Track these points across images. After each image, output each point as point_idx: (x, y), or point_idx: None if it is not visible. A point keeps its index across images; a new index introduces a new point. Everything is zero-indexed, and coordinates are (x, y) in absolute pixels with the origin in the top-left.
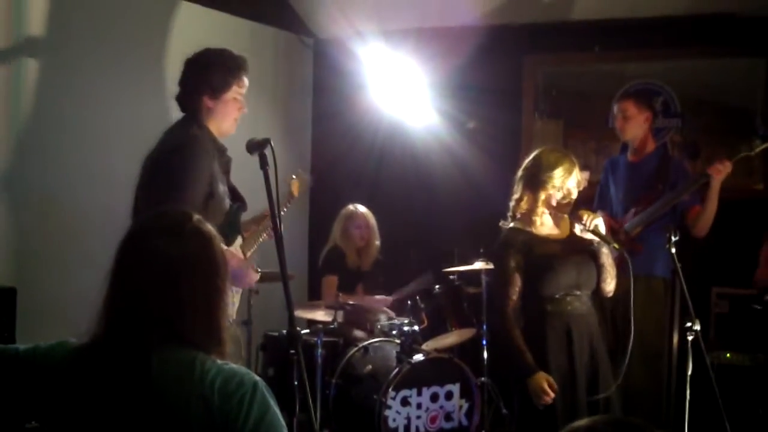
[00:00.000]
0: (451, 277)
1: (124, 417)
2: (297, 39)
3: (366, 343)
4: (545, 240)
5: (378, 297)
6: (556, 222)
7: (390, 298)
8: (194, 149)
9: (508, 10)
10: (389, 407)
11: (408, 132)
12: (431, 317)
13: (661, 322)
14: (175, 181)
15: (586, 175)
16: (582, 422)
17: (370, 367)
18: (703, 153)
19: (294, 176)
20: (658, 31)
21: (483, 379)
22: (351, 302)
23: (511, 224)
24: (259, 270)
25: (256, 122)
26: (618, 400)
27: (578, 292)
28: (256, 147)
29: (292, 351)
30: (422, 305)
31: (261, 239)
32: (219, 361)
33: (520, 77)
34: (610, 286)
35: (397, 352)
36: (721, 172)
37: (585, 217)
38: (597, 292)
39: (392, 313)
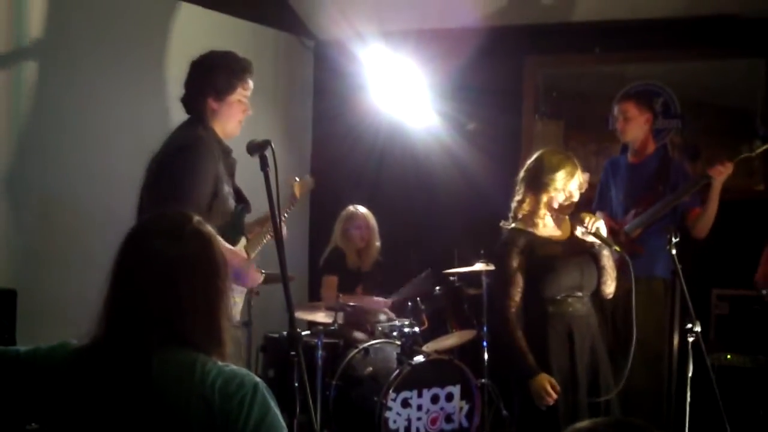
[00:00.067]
0: (452, 278)
1: (124, 418)
2: (297, 40)
3: (366, 344)
4: (547, 241)
5: (377, 299)
6: (558, 223)
7: (389, 301)
8: (199, 150)
9: (509, 11)
10: (390, 409)
11: (408, 133)
12: (431, 319)
13: (662, 323)
14: (180, 182)
15: (586, 176)
16: (583, 424)
17: (370, 368)
18: (704, 154)
19: (297, 179)
20: (658, 32)
21: (483, 380)
22: (351, 303)
23: (513, 224)
24: (263, 272)
25: (256, 123)
26: (618, 401)
27: (579, 294)
28: (257, 148)
29: (293, 352)
30: (422, 307)
31: (265, 240)
32: (219, 363)
33: (520, 78)
34: (610, 288)
35: (397, 353)
36: (721, 173)
37: (586, 220)
38: (597, 293)
39: (392, 315)
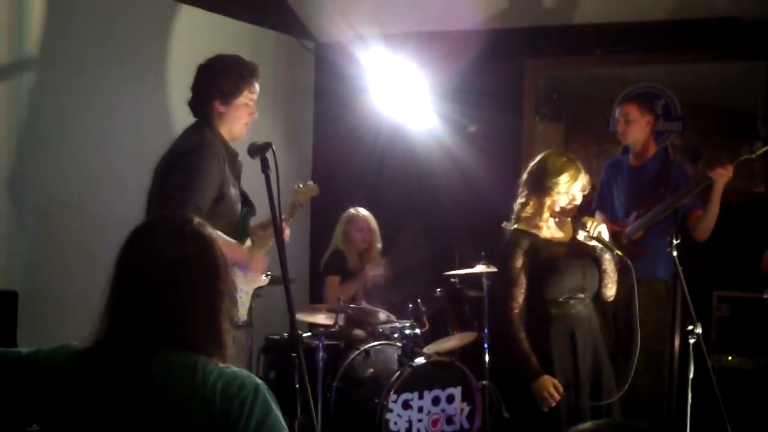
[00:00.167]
0: (452, 280)
1: (125, 420)
2: (298, 43)
3: (367, 346)
4: (550, 243)
5: (374, 271)
6: (560, 225)
7: (385, 264)
8: (205, 152)
9: (510, 13)
10: (390, 410)
11: (409, 135)
12: (432, 320)
13: (663, 324)
14: (185, 184)
15: (587, 178)
16: (586, 425)
17: (371, 370)
18: (704, 156)
19: (301, 185)
20: (659, 34)
21: (484, 382)
22: (352, 305)
23: (516, 225)
24: (269, 273)
25: (257, 126)
26: (620, 402)
27: (582, 295)
28: (258, 151)
29: (294, 354)
30: (423, 308)
31: (270, 243)
32: (220, 364)
33: (521, 81)
34: (611, 291)
35: (398, 355)
36: (722, 175)
37: (588, 224)
38: (598, 295)
39: (393, 317)
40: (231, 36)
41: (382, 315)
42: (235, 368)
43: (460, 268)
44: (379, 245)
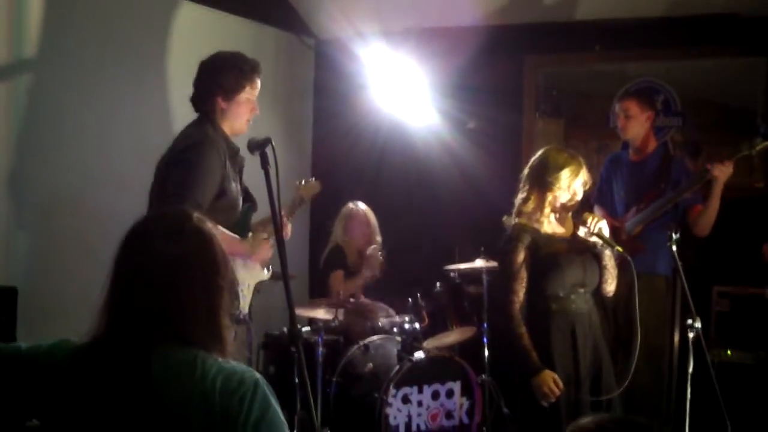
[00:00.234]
0: (452, 275)
1: (124, 416)
2: (298, 39)
3: (367, 341)
4: (551, 238)
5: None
6: (561, 221)
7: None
8: (206, 148)
9: (509, 10)
10: (390, 405)
11: (409, 132)
12: (432, 315)
13: (663, 319)
14: (186, 179)
15: (588, 174)
16: (586, 421)
17: (370, 365)
18: (704, 152)
19: (303, 182)
20: (658, 30)
21: (484, 377)
22: (352, 299)
23: (516, 220)
24: (270, 268)
25: (257, 122)
26: (619, 397)
27: (582, 290)
28: (257, 146)
29: (293, 349)
30: (423, 303)
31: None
32: (220, 360)
33: (520, 77)
34: (611, 287)
35: (398, 350)
36: (722, 171)
37: (589, 220)
38: (598, 291)
39: (393, 312)
40: (231, 33)
41: (382, 310)
42: (234, 363)
43: (460, 263)
44: (378, 240)
